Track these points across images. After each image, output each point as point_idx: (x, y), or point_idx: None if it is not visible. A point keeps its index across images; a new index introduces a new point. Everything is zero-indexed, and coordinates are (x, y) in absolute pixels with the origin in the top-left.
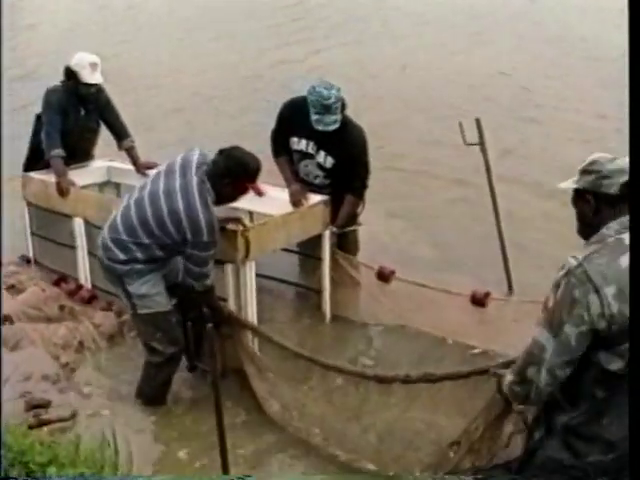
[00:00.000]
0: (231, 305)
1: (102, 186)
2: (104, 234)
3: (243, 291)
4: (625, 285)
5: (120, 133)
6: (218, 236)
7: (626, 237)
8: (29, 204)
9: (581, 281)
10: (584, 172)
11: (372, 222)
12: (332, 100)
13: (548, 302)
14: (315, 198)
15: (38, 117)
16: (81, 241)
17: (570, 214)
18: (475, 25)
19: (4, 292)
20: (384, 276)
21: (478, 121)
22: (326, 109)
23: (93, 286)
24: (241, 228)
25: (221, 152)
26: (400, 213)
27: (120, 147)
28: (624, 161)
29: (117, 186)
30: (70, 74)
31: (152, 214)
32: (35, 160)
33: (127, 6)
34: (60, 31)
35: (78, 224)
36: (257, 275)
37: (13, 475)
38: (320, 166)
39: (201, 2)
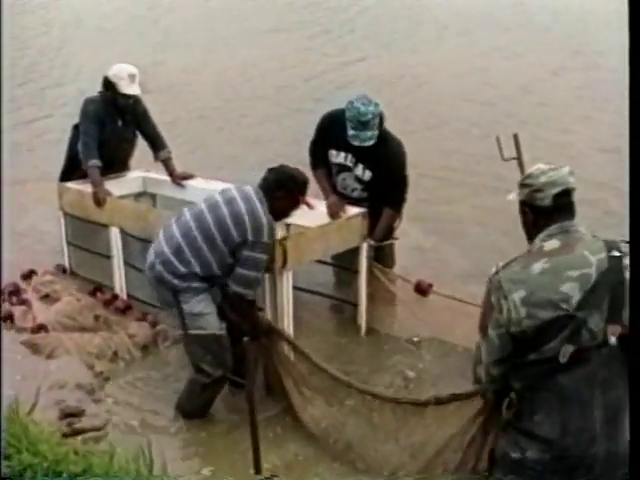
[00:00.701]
0: (267, 315)
1: (137, 197)
2: (161, 249)
3: (280, 301)
4: (534, 289)
5: (157, 144)
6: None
7: (547, 244)
8: (65, 214)
9: (496, 287)
10: (521, 185)
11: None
12: (369, 117)
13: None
14: (353, 210)
15: (75, 127)
16: (117, 251)
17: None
18: (498, 38)
19: (39, 301)
20: (422, 289)
21: (516, 136)
22: (363, 125)
23: (128, 296)
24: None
25: (270, 170)
26: (430, 224)
27: (157, 158)
28: (558, 173)
29: (153, 197)
30: (108, 85)
31: (214, 221)
32: (72, 170)
33: (156, 15)
34: (90, 39)
35: (114, 234)
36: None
37: None
38: (358, 179)
39: (232, 8)
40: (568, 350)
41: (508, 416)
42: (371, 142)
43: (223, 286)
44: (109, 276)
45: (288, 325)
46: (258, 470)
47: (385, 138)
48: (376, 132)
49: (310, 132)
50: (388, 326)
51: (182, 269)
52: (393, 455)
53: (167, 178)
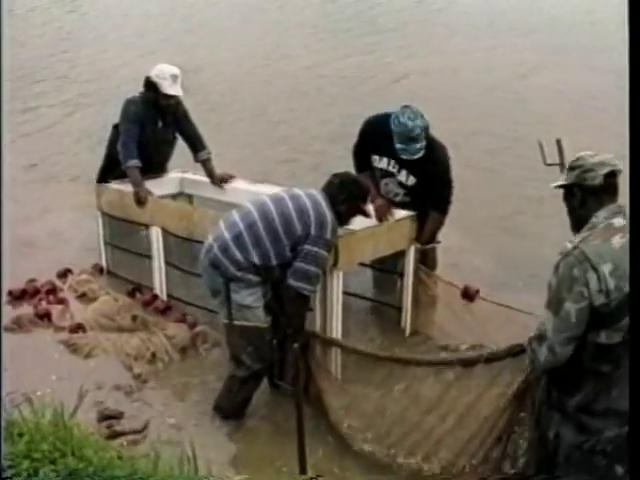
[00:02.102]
0: (317, 316)
1: (174, 197)
2: (221, 234)
3: (329, 301)
4: (619, 263)
5: (197, 145)
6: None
7: (615, 221)
8: (103, 213)
9: (579, 260)
10: (570, 169)
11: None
12: (417, 131)
13: (551, 284)
14: (401, 213)
15: (115, 127)
16: (158, 251)
17: None
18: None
19: (76, 301)
20: (469, 295)
21: (559, 142)
22: (411, 140)
23: (168, 296)
24: None
25: (335, 175)
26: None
27: (196, 159)
28: (606, 155)
29: (189, 198)
30: (150, 85)
31: (277, 213)
32: (110, 170)
33: (190, 13)
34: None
35: (155, 233)
36: None
37: None
38: (401, 184)
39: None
40: None
41: (578, 401)
42: (420, 154)
43: (275, 283)
44: (148, 276)
45: (337, 324)
46: (303, 470)
47: (430, 144)
48: (424, 143)
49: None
50: (432, 330)
51: (240, 256)
52: (436, 427)
53: (205, 179)
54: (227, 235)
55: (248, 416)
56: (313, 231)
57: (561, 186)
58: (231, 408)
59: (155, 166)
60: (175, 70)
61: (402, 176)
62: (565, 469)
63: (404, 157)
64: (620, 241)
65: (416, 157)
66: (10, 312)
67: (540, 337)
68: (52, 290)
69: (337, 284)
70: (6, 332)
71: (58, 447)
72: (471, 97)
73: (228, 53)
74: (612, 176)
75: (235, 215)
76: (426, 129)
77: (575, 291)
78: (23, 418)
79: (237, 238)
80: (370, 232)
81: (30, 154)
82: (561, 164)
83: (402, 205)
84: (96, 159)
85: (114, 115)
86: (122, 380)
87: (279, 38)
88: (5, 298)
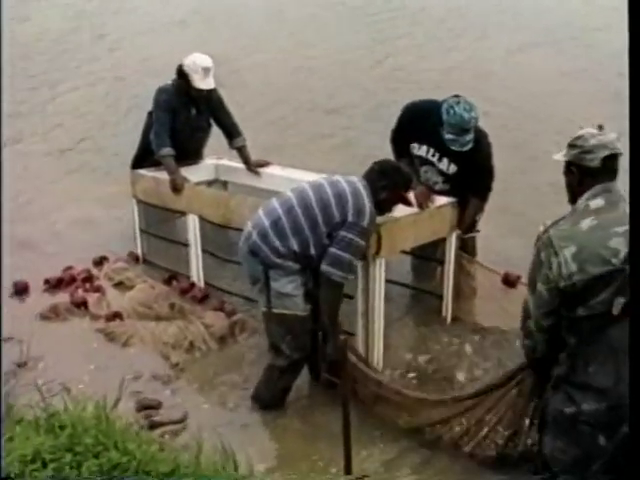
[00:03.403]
0: (359, 303)
1: (210, 184)
2: (260, 221)
3: (372, 289)
4: (585, 245)
5: (232, 132)
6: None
7: (592, 203)
8: (138, 201)
9: (545, 245)
10: (570, 146)
11: None
12: (472, 124)
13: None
14: (442, 200)
15: (150, 115)
16: (195, 238)
17: None
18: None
19: (113, 289)
20: (510, 281)
21: (601, 127)
22: (464, 131)
23: (206, 284)
24: None
25: (376, 162)
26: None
27: (231, 146)
28: (608, 137)
29: (224, 184)
30: (182, 74)
31: (316, 200)
32: (144, 158)
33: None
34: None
35: (192, 221)
36: None
37: None
38: (441, 172)
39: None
40: (620, 302)
41: (560, 371)
42: (470, 146)
43: (315, 271)
44: (185, 264)
45: (380, 313)
46: (348, 470)
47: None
48: (473, 135)
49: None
50: (474, 317)
51: (278, 243)
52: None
53: (240, 165)
54: (266, 222)
55: (286, 407)
56: (350, 217)
57: (564, 161)
58: (270, 398)
59: (190, 153)
60: (207, 62)
61: (443, 164)
62: (552, 431)
63: (454, 148)
64: (590, 223)
65: (465, 149)
66: (47, 300)
67: (528, 315)
68: (88, 278)
69: (379, 272)
70: (42, 320)
71: (101, 441)
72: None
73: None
74: (611, 159)
75: (274, 202)
76: (477, 122)
77: (542, 273)
78: (66, 409)
79: (275, 224)
80: (412, 219)
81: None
82: None
83: (441, 193)
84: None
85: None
86: (159, 369)
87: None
88: (42, 286)
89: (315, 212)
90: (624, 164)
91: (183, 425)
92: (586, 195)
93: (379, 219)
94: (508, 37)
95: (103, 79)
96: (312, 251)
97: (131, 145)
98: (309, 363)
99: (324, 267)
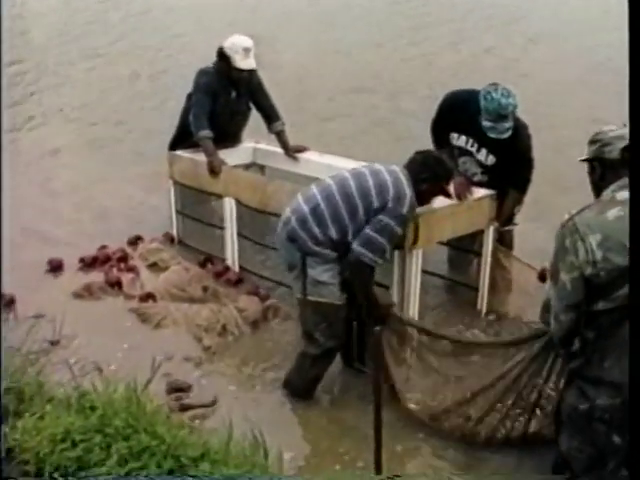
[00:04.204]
0: (395, 293)
1: (247, 167)
2: (299, 206)
3: (408, 279)
4: (610, 234)
5: (271, 116)
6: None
7: (619, 195)
8: (175, 182)
9: (570, 231)
10: (590, 143)
11: None
12: (510, 109)
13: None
14: (481, 192)
15: (189, 97)
16: (231, 222)
17: None
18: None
19: (147, 269)
20: (545, 277)
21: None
22: (502, 118)
23: (240, 268)
24: None
25: (418, 152)
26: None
27: (270, 130)
28: (625, 129)
29: (261, 168)
30: (223, 56)
31: (357, 188)
32: (182, 139)
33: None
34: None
35: (229, 204)
36: None
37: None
38: (480, 163)
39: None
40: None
41: (574, 366)
42: (508, 134)
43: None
44: (220, 247)
45: (415, 303)
46: (379, 469)
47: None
48: (512, 124)
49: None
50: (509, 311)
51: (317, 231)
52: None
53: (277, 150)
54: (305, 208)
55: (316, 395)
56: (390, 204)
57: (584, 160)
58: (301, 385)
59: (229, 136)
60: (248, 42)
61: (481, 155)
62: (569, 428)
63: (492, 136)
64: (616, 213)
65: (504, 137)
66: (82, 279)
67: (547, 306)
68: (123, 258)
69: (416, 262)
70: (76, 299)
71: (131, 423)
72: None
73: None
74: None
75: (314, 188)
76: (515, 109)
77: (567, 261)
78: (95, 390)
79: (315, 210)
80: (450, 211)
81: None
82: None
83: (480, 184)
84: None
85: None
86: (191, 352)
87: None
88: (77, 265)
89: (355, 200)
90: None
91: (213, 409)
92: (612, 187)
93: (417, 210)
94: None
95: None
96: (350, 239)
97: (159, 122)
98: (342, 352)
99: (355, 247)
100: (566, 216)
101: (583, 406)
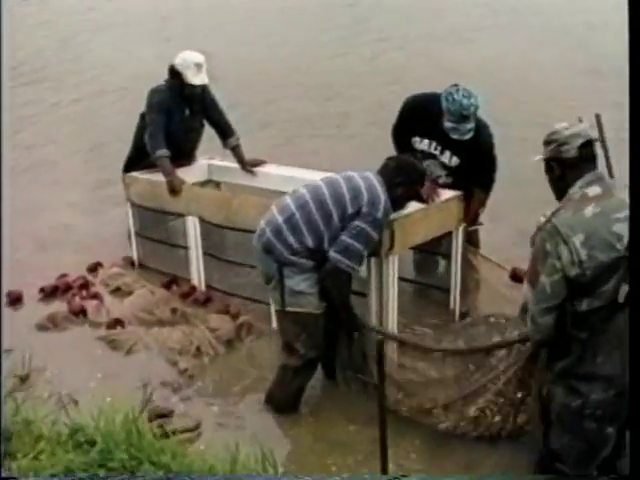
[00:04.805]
0: (372, 301)
1: (203, 185)
2: (273, 217)
3: (385, 286)
4: (592, 232)
5: (226, 131)
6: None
7: (590, 190)
8: (133, 204)
9: (551, 234)
10: (546, 143)
11: None
12: (472, 110)
13: (530, 259)
14: (448, 193)
15: (142, 116)
16: (195, 241)
17: None
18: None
19: (110, 295)
20: (518, 276)
21: (598, 117)
22: (464, 118)
23: (208, 287)
24: None
25: (390, 158)
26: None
27: (226, 145)
28: (579, 126)
29: (217, 185)
30: (174, 74)
31: (330, 195)
32: (137, 160)
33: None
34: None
35: (192, 223)
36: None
37: None
38: (444, 165)
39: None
40: (625, 290)
41: (565, 364)
42: (470, 135)
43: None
44: (183, 267)
45: (393, 310)
46: (385, 470)
47: (475, 123)
48: (474, 125)
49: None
50: (481, 311)
51: (293, 240)
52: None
53: (233, 165)
54: (280, 218)
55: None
56: (365, 208)
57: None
58: (285, 400)
59: (184, 154)
60: (199, 58)
61: (445, 157)
62: (558, 427)
63: (455, 137)
64: (593, 210)
65: (466, 138)
66: (43, 310)
67: (524, 310)
68: (85, 285)
69: (393, 268)
70: (41, 331)
71: (134, 455)
72: None
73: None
74: (587, 146)
75: (287, 198)
76: (477, 109)
77: (548, 264)
78: (97, 426)
79: (289, 220)
80: (423, 214)
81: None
82: (601, 140)
83: (445, 186)
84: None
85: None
86: (168, 376)
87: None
88: (37, 295)
89: (329, 207)
90: None
91: (198, 432)
92: (579, 184)
93: (391, 215)
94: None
95: None
96: (326, 247)
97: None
98: (323, 362)
99: (332, 254)
100: (542, 219)
101: (575, 403)
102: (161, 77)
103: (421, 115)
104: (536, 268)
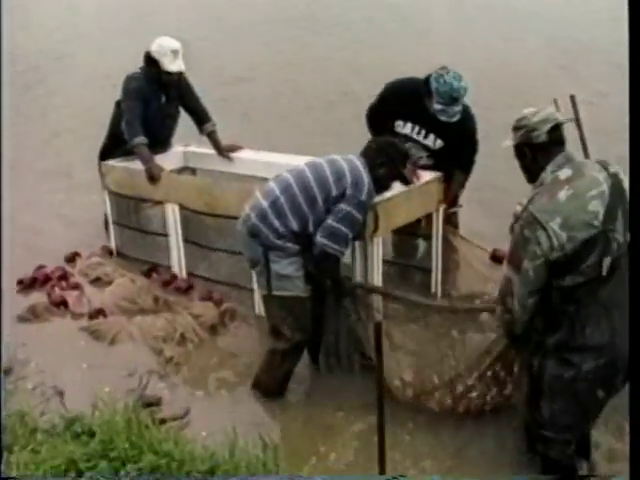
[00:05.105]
0: None
1: (179, 172)
2: (257, 202)
3: (370, 269)
4: (568, 214)
5: (202, 118)
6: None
7: (561, 173)
8: (110, 193)
9: (528, 222)
10: (515, 129)
11: None
12: (462, 92)
13: (510, 245)
14: (428, 175)
15: (118, 104)
16: (175, 228)
17: None
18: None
19: (91, 286)
20: (498, 257)
21: (573, 97)
22: (454, 100)
23: (189, 274)
24: None
25: (372, 139)
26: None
27: (202, 132)
28: (547, 111)
29: (193, 171)
30: (150, 61)
31: (314, 178)
32: (113, 148)
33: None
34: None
35: (172, 210)
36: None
37: None
38: (426, 148)
39: None
40: (607, 262)
41: (556, 339)
42: (457, 117)
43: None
44: (163, 255)
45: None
46: (383, 469)
47: None
48: (461, 108)
49: None
50: (460, 291)
51: (278, 224)
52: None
53: (209, 151)
54: (264, 203)
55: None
56: (349, 191)
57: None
58: (272, 384)
59: (160, 141)
60: (175, 44)
61: (429, 140)
62: (549, 396)
63: (443, 119)
64: (567, 193)
65: (454, 120)
66: (22, 301)
67: (508, 292)
68: (64, 276)
69: (377, 251)
70: (22, 323)
71: (135, 444)
72: None
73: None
74: (556, 129)
75: (271, 183)
76: (466, 92)
77: (529, 251)
78: (95, 416)
79: (274, 204)
80: (405, 196)
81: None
82: (577, 120)
83: (425, 167)
84: None
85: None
86: (153, 364)
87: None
88: (15, 287)
89: (314, 190)
90: None
91: (186, 420)
92: (550, 168)
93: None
94: None
95: None
96: (311, 230)
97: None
98: (309, 347)
99: (319, 239)
100: (518, 207)
101: (568, 374)
102: None
103: (405, 99)
104: (518, 254)
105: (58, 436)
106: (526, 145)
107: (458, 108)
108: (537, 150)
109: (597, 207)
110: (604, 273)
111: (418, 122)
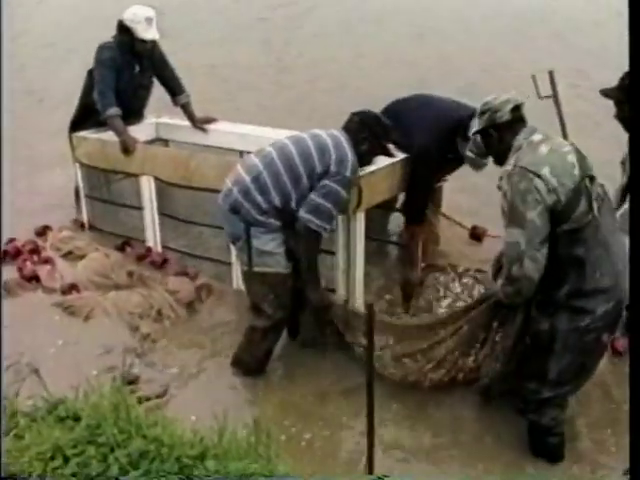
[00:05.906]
0: (340, 259)
1: (151, 143)
2: (239, 177)
3: (353, 243)
4: (553, 163)
5: (175, 89)
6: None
7: (534, 137)
8: (82, 165)
9: (522, 175)
10: (480, 114)
11: None
12: None
13: (504, 208)
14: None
15: (90, 73)
16: (150, 201)
17: None
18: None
19: (63, 260)
20: (477, 235)
21: (551, 73)
22: None
23: (163, 248)
24: None
25: (355, 113)
26: None
27: (175, 103)
28: (507, 94)
29: (166, 143)
30: (123, 29)
31: (298, 153)
32: (84, 119)
33: None
34: None
35: (147, 183)
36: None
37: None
38: None
39: None
40: (596, 206)
41: (567, 290)
42: None
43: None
44: (137, 228)
45: (360, 267)
46: (371, 470)
47: None
48: None
49: None
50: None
51: (260, 199)
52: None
53: (181, 123)
54: (247, 178)
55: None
56: (333, 167)
57: (478, 132)
58: (252, 362)
59: (133, 112)
60: (149, 12)
61: None
62: (561, 353)
63: None
64: (546, 149)
65: None
66: None
67: (515, 259)
68: (35, 250)
69: (360, 226)
70: None
71: (123, 429)
72: None
73: None
74: (516, 110)
75: (253, 157)
76: None
77: (529, 200)
78: (83, 397)
79: (257, 179)
80: (387, 171)
81: None
82: (554, 96)
83: None
84: None
85: None
86: (130, 341)
87: None
88: None
89: (297, 166)
90: None
91: (166, 399)
92: (522, 135)
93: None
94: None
95: None
96: (294, 206)
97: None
98: (288, 323)
99: (302, 214)
100: (507, 168)
101: (583, 322)
102: None
103: None
104: (518, 210)
105: (42, 420)
106: (492, 127)
107: None
108: (502, 130)
109: (573, 159)
110: (597, 215)
111: None
